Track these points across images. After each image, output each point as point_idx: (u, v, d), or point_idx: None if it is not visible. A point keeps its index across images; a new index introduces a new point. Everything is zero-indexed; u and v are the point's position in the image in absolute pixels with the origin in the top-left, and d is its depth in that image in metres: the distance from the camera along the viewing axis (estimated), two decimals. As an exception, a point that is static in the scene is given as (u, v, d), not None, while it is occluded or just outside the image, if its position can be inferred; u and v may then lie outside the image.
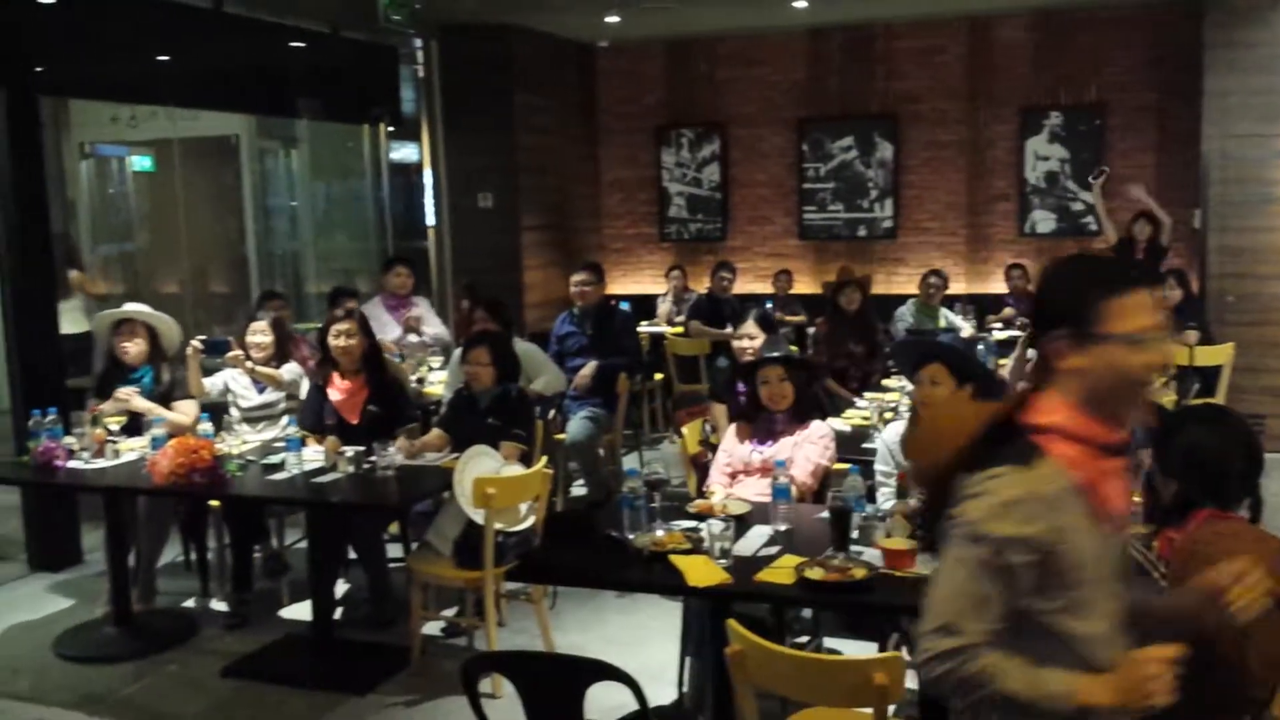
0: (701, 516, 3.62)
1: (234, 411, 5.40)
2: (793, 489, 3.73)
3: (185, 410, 5.12)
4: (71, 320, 8.11)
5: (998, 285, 9.22)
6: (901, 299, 8.28)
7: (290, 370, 5.45)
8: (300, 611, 5.08)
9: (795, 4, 8.67)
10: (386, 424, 4.91)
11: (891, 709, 2.59)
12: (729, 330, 7.99)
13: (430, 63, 9.25)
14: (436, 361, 6.98)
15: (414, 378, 6.51)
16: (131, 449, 4.84)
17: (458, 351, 5.64)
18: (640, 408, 8.29)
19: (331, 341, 5.03)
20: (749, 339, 4.96)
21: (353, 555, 5.20)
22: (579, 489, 6.75)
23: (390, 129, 9.52)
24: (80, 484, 4.81)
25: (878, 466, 3.94)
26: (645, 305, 9.60)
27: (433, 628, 4.85)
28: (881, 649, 3.82)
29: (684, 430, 4.95)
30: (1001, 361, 6.26)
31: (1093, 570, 1.88)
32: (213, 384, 5.36)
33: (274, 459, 4.66)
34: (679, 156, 10.50)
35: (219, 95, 7.82)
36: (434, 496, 4.71)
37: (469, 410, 5.00)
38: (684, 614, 4.05)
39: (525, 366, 5.47)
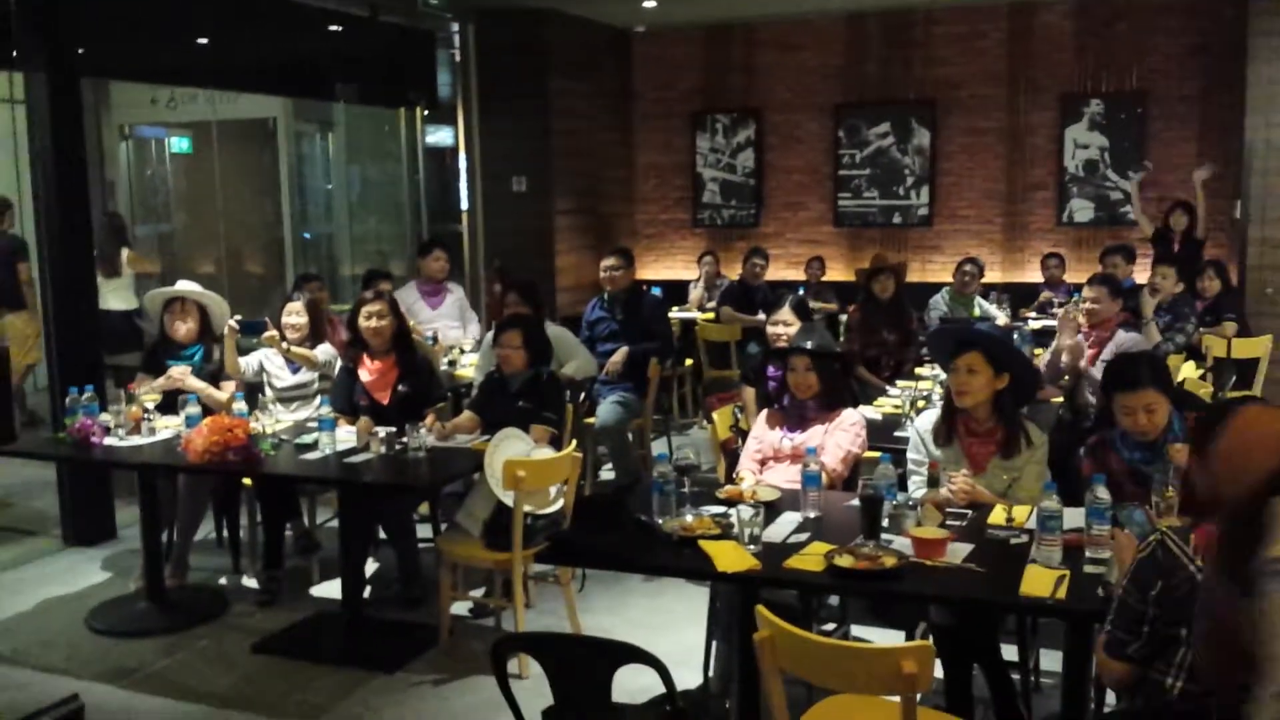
0: (731, 502, 3.61)
1: (268, 391, 5.44)
2: (823, 476, 3.72)
3: (229, 390, 5.17)
4: (121, 298, 8.25)
5: (1034, 274, 9.14)
6: (936, 287, 8.21)
7: (324, 351, 5.49)
8: (330, 589, 5.12)
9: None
10: (417, 404, 4.93)
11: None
12: (760, 316, 7.97)
13: (466, 47, 9.27)
14: (468, 344, 7.01)
15: (445, 360, 6.55)
16: (167, 426, 4.89)
17: (489, 334, 5.66)
18: (670, 393, 8.29)
19: (362, 323, 5.05)
20: (784, 325, 4.94)
21: (383, 535, 5.23)
22: (607, 473, 6.76)
23: (426, 113, 9.55)
24: (115, 460, 4.86)
25: (909, 455, 3.91)
26: (677, 291, 9.58)
27: (461, 608, 4.88)
28: (909, 637, 3.80)
29: (714, 416, 4.94)
30: (1038, 351, 6.20)
31: None
32: (248, 364, 5.41)
33: (307, 438, 4.69)
34: (713, 142, 10.46)
35: (257, 78, 7.87)
36: (464, 478, 4.73)
37: (500, 393, 5.01)
38: (711, 599, 4.05)
39: (557, 350, 5.48)
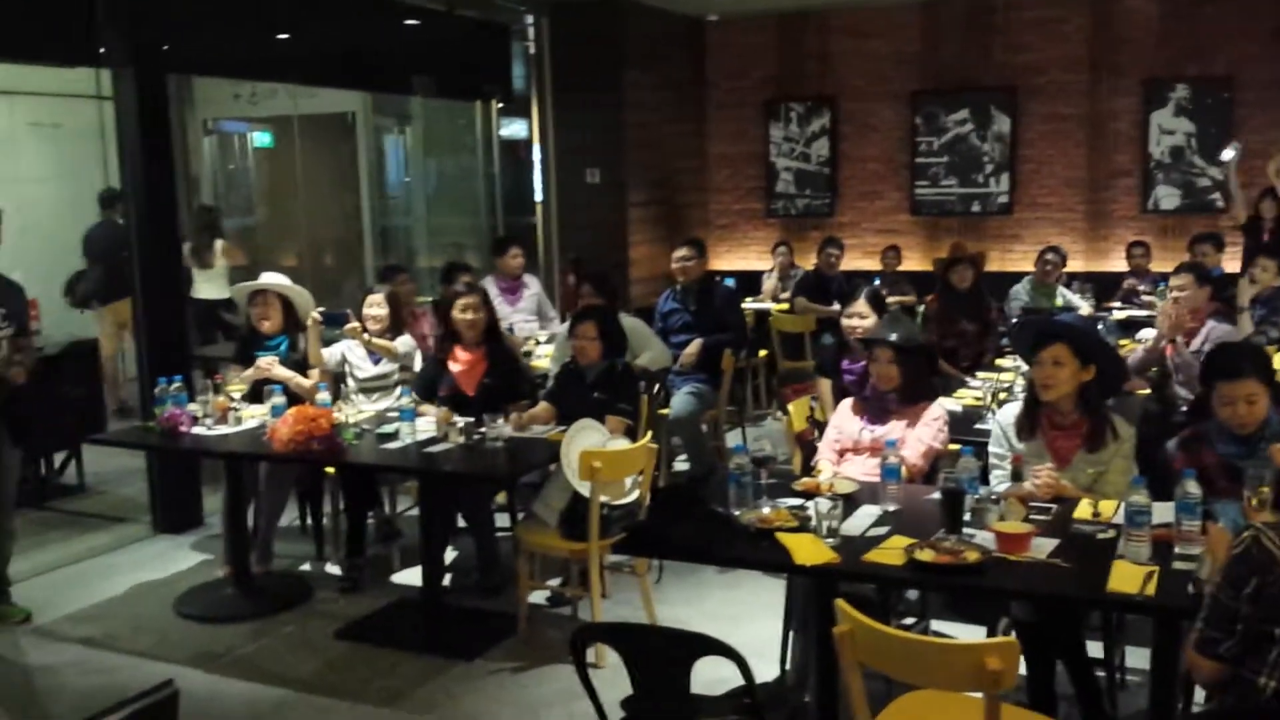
0: (808, 495, 3.59)
1: (350, 382, 5.53)
2: (902, 469, 3.68)
3: (315, 379, 5.27)
4: (215, 288, 8.47)
5: (1118, 263, 8.93)
6: (1016, 276, 8.07)
7: (404, 342, 5.57)
8: (411, 577, 5.20)
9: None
10: (500, 397, 4.98)
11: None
12: (835, 307, 7.90)
13: (541, 39, 9.31)
14: (544, 335, 7.06)
15: (521, 353, 6.60)
16: (253, 416, 4.99)
17: (565, 325, 5.69)
18: (744, 384, 8.26)
19: (456, 315, 5.14)
20: (859, 317, 4.89)
21: (462, 523, 5.30)
22: (681, 464, 6.76)
23: (500, 106, 9.61)
24: (203, 449, 4.98)
25: (991, 448, 3.85)
26: (750, 281, 9.53)
27: (538, 597, 4.92)
28: (991, 633, 3.75)
29: (790, 408, 4.91)
30: (1123, 342, 6.05)
31: None
32: (331, 355, 5.51)
33: (388, 428, 4.76)
34: (787, 131, 10.39)
35: (337, 73, 8.00)
36: (541, 468, 4.77)
37: (575, 384, 5.04)
38: (788, 591, 4.04)
39: (631, 341, 5.49)
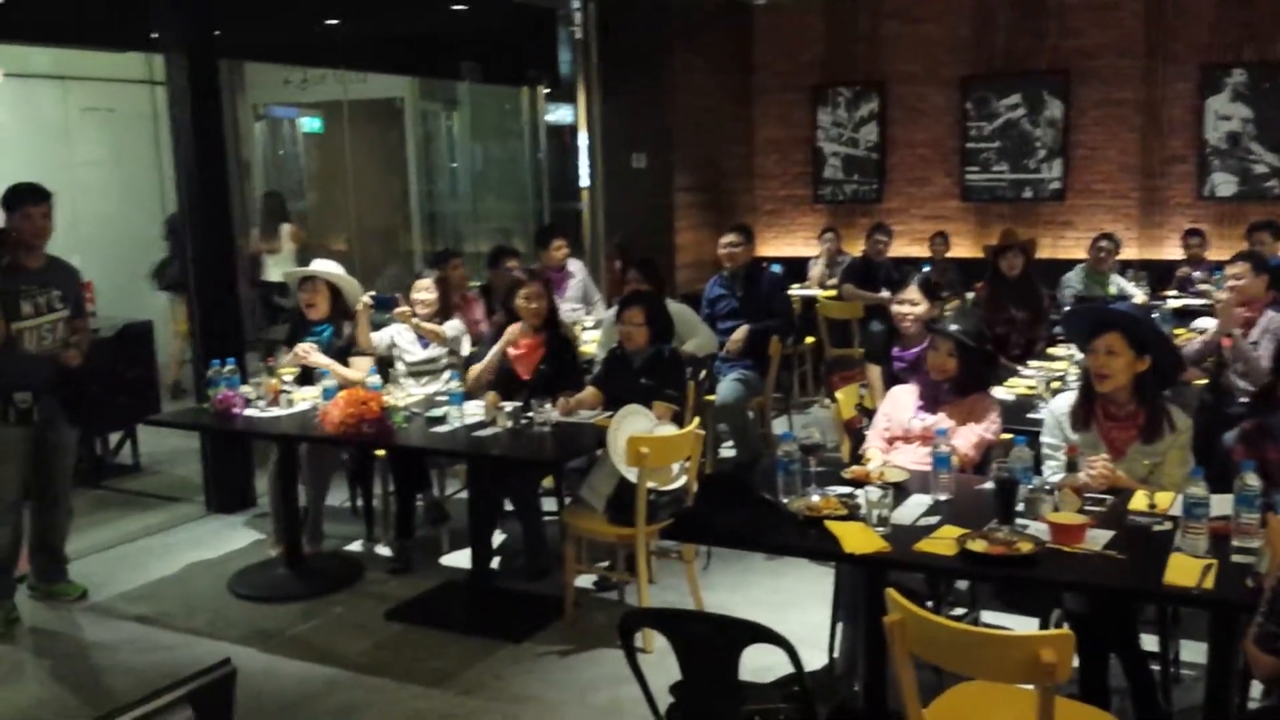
0: (857, 483, 3.57)
1: (399, 365, 5.58)
2: (954, 459, 3.64)
3: (358, 366, 5.31)
4: (283, 270, 8.59)
5: (1172, 251, 8.79)
6: (1068, 264, 7.96)
7: (453, 326, 5.60)
8: (459, 559, 5.24)
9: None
10: (555, 384, 5.00)
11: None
12: (883, 294, 7.84)
13: (588, 24, 9.28)
14: (590, 321, 7.06)
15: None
16: (304, 399, 5.05)
17: (612, 311, 5.69)
18: (790, 371, 8.23)
19: (520, 303, 5.17)
20: (910, 305, 4.85)
21: (509, 507, 5.33)
22: (728, 451, 6.75)
23: (547, 91, 9.61)
24: (255, 431, 5.04)
25: (1044, 439, 3.80)
26: (797, 268, 9.48)
27: (585, 581, 4.95)
28: (1042, 625, 3.71)
29: (838, 395, 4.88)
30: (1179, 331, 5.95)
31: None
32: (380, 339, 5.55)
33: (437, 412, 4.80)
34: (835, 116, 10.30)
35: (386, 58, 8.04)
36: (588, 453, 4.78)
37: (623, 369, 5.05)
38: (836, 580, 4.02)
39: (677, 327, 5.48)
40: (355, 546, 5.61)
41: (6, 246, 4.53)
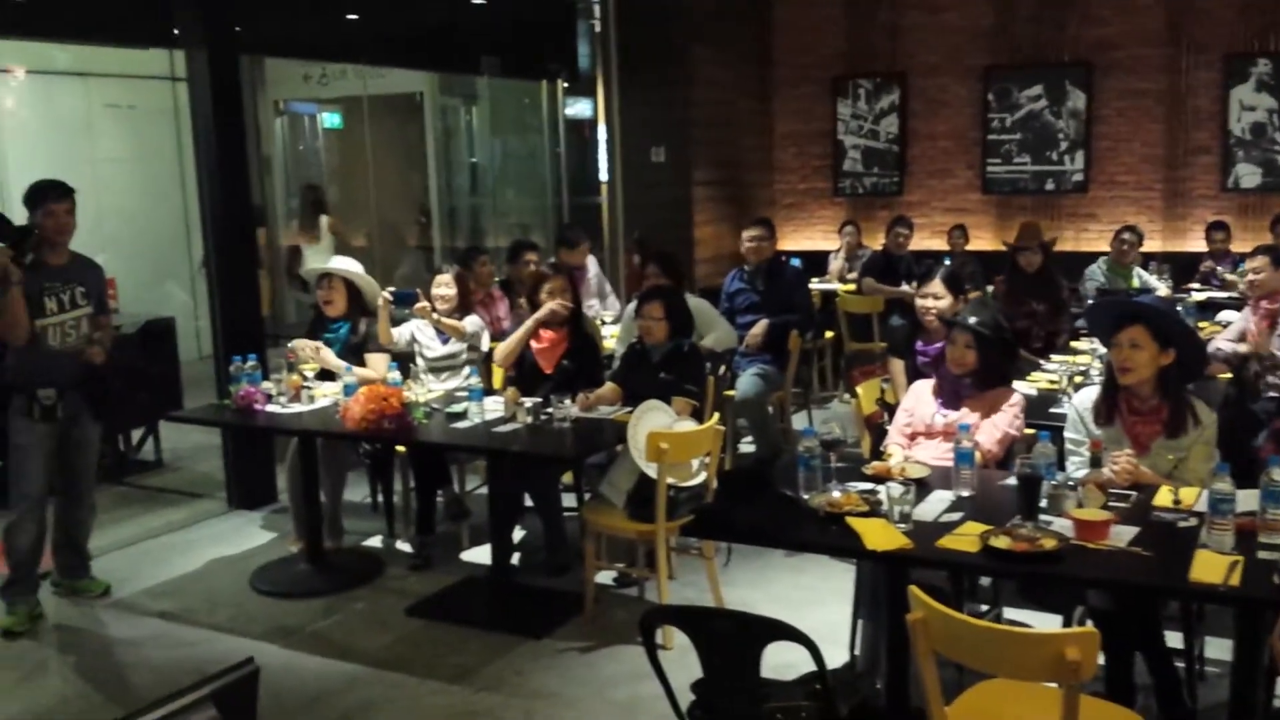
0: (878, 479, 3.55)
1: (419, 361, 5.58)
2: (976, 454, 3.62)
3: (374, 364, 5.32)
4: (321, 262, 8.63)
5: (1196, 244, 8.71)
6: (1091, 256, 7.89)
7: (472, 322, 5.60)
8: (479, 555, 5.25)
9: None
10: (576, 380, 5.00)
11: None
12: (904, 288, 7.80)
13: (607, 18, 9.26)
14: (609, 316, 7.05)
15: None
16: (325, 395, 5.06)
17: (631, 306, 5.68)
18: (810, 366, 8.20)
19: (544, 299, 5.16)
20: (934, 299, 4.81)
21: (529, 503, 5.33)
22: (747, 446, 6.73)
23: (566, 85, 9.60)
24: (277, 427, 5.06)
25: (1068, 434, 3.77)
26: (816, 261, 9.45)
27: (605, 577, 4.94)
28: (1066, 622, 3.68)
29: (859, 390, 4.86)
30: (1203, 324, 5.90)
31: None
32: (400, 334, 5.56)
33: (457, 408, 4.80)
34: (855, 108, 10.25)
35: (405, 53, 8.05)
36: (608, 449, 4.78)
37: (642, 364, 5.03)
38: (857, 577, 4.00)
39: (697, 322, 5.47)
40: (376, 542, 5.63)
41: (30, 243, 4.55)
